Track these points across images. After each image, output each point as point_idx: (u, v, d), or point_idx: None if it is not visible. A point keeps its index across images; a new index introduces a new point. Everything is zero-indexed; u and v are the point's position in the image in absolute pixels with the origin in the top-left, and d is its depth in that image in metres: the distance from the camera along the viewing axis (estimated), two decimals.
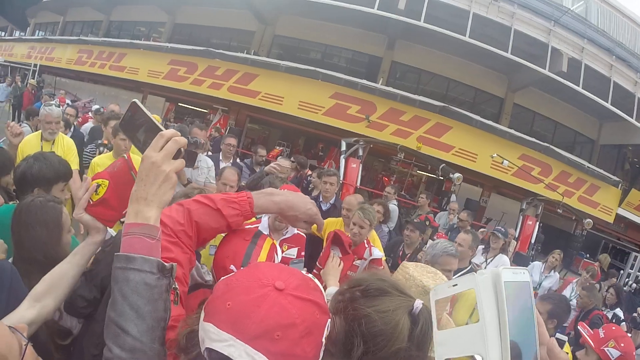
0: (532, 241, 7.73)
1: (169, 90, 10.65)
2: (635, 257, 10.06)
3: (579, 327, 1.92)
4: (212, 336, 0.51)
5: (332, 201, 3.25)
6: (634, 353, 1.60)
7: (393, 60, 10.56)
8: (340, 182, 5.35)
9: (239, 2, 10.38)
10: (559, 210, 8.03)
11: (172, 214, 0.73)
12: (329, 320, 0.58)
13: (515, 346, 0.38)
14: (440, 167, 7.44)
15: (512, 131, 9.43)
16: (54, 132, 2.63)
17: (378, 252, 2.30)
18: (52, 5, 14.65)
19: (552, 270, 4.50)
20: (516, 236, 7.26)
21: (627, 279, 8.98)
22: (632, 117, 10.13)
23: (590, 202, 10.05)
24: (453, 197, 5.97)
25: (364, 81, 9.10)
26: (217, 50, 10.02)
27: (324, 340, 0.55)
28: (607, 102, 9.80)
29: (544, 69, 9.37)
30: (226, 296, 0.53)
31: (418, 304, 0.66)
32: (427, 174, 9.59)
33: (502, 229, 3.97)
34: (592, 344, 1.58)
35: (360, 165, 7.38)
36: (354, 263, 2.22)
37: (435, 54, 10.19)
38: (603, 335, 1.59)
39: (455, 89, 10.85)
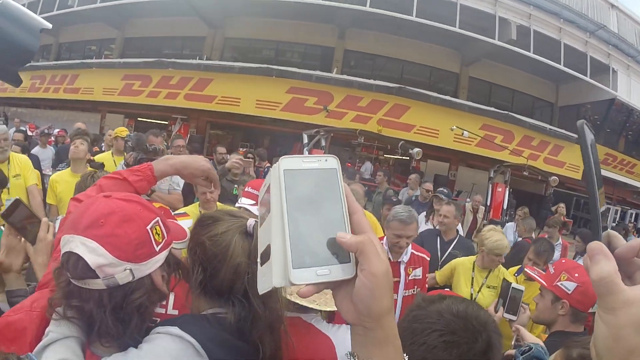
0: (505, 207, 7.93)
1: (126, 106, 10.46)
2: (607, 209, 10.45)
3: (526, 269, 1.84)
4: (62, 245, 0.63)
5: None
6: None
7: (346, 49, 10.64)
8: None
9: (186, 9, 10.26)
10: (525, 173, 8.25)
11: (87, 192, 0.87)
12: (157, 218, 0.68)
13: (311, 230, 0.36)
14: (399, 144, 7.56)
15: (470, 103, 9.62)
16: (3, 149, 2.61)
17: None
18: None
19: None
20: (487, 204, 7.43)
21: None
22: (586, 76, 10.48)
23: (556, 162, 10.35)
24: (412, 176, 6.07)
25: (318, 72, 9.14)
26: (169, 60, 9.89)
27: (148, 229, 0.65)
28: (561, 64, 10.11)
29: (494, 39, 9.60)
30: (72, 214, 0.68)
31: (251, 221, 0.72)
32: (394, 157, 9.71)
33: (445, 190, 3.86)
34: (544, 282, 1.43)
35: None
36: None
37: (387, 38, 10.31)
38: (553, 271, 1.44)
39: (411, 70, 11.01)
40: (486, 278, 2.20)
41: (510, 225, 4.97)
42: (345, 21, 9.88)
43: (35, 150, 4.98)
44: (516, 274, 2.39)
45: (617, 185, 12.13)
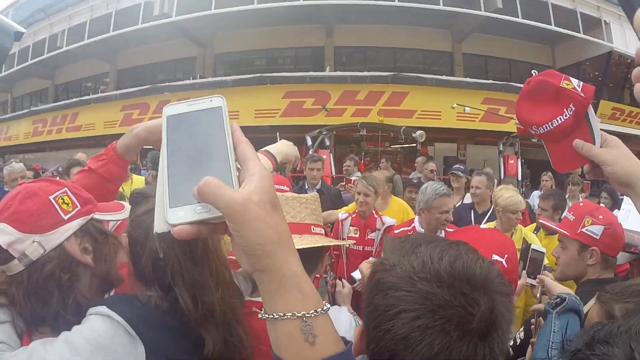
0: (520, 179, 7.82)
1: None
2: None
3: (541, 221, 1.71)
4: None
5: (318, 187, 3.20)
6: (619, 222, 1.24)
7: (335, 46, 10.63)
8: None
9: (173, 32, 10.38)
10: (534, 141, 8.12)
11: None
12: (65, 188, 0.69)
13: (193, 170, 0.35)
14: (402, 129, 7.52)
15: (467, 79, 9.52)
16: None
17: (390, 219, 2.34)
18: None
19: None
20: (501, 177, 7.33)
21: None
22: (579, 33, 10.28)
23: None
24: (418, 159, 6.03)
25: (311, 73, 9.14)
26: (163, 84, 10.01)
27: (51, 199, 0.66)
28: (552, 25, 9.93)
29: (480, 11, 9.47)
30: None
31: None
32: (402, 146, 9.63)
33: (462, 167, 3.79)
34: (566, 232, 1.25)
35: (331, 154, 7.42)
36: (368, 237, 2.27)
37: (375, 28, 10.26)
38: (574, 218, 1.25)
39: (404, 56, 10.93)
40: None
41: (536, 193, 4.97)
42: (330, 18, 9.87)
43: None
44: (535, 231, 2.29)
45: (629, 139, 11.84)
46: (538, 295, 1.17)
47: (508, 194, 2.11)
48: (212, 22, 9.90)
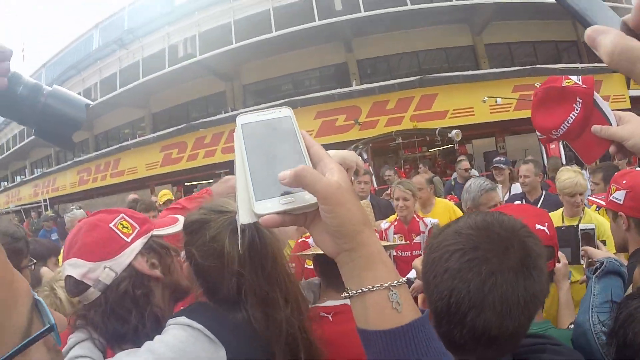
0: (564, 162, 7.57)
1: (171, 175, 11.13)
2: None
3: (589, 198, 1.68)
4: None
5: (368, 199, 3.22)
6: None
7: (358, 60, 10.72)
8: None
9: (199, 70, 10.86)
10: None
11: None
12: (122, 214, 0.75)
13: (272, 167, 0.38)
14: (437, 131, 7.48)
15: (494, 70, 9.33)
16: None
17: (432, 220, 2.35)
18: (40, 142, 15.66)
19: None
20: (545, 165, 7.13)
21: None
22: None
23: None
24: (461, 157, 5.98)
25: (339, 90, 9.28)
26: (197, 122, 10.46)
27: (112, 226, 0.73)
28: None
29: None
30: None
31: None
32: (440, 148, 9.53)
33: (502, 159, 3.77)
34: (603, 203, 1.28)
35: (370, 167, 7.48)
36: (414, 241, 2.28)
37: (393, 36, 10.30)
38: (608, 188, 1.30)
39: (426, 58, 10.88)
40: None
41: (584, 173, 4.75)
42: (347, 33, 10.00)
43: None
44: (597, 209, 2.15)
45: None
46: (584, 267, 1.18)
47: (566, 176, 1.97)
48: (235, 56, 10.29)
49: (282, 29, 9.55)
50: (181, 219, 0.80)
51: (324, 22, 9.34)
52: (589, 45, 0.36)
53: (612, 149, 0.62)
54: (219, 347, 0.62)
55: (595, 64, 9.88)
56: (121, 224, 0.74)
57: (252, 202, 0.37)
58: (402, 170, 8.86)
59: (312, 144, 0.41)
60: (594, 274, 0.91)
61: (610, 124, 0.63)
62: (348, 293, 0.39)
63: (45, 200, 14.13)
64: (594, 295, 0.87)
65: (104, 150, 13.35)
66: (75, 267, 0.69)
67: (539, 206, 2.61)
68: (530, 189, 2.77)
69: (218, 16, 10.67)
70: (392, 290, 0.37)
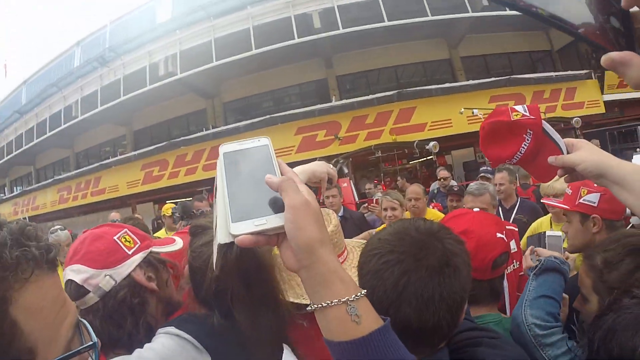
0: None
1: (152, 192, 10.97)
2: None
3: (542, 200, 1.69)
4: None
5: (341, 213, 3.22)
6: None
7: (337, 75, 10.89)
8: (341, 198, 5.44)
9: (180, 88, 10.85)
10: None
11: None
12: (125, 229, 0.81)
13: (248, 193, 0.42)
14: (415, 144, 7.58)
15: (470, 82, 9.56)
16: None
17: None
18: (20, 159, 15.38)
19: None
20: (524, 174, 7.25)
21: None
22: None
23: (575, 105, 10.04)
24: (437, 171, 6.06)
25: (319, 106, 9.36)
26: (178, 140, 10.39)
27: (116, 239, 0.78)
28: None
29: (468, 13, 9.62)
30: None
31: None
32: (419, 160, 9.66)
33: (488, 168, 3.80)
34: (565, 206, 1.28)
35: (351, 181, 7.50)
36: None
37: (372, 52, 10.52)
38: (572, 191, 1.28)
39: (405, 73, 11.11)
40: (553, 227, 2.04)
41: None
42: (327, 50, 10.17)
43: None
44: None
45: None
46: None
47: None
48: (215, 73, 10.32)
49: (262, 46, 9.65)
50: (178, 240, 0.88)
51: (304, 40, 9.49)
52: (611, 70, 0.41)
53: (560, 172, 0.68)
54: (205, 355, 0.66)
55: (569, 72, 10.24)
56: (124, 238, 0.80)
57: (229, 223, 0.41)
58: (383, 183, 8.92)
59: (286, 170, 0.45)
60: (532, 272, 0.95)
61: (561, 149, 0.69)
62: (310, 307, 0.41)
63: (25, 219, 13.70)
64: (529, 291, 0.91)
65: (84, 168, 13.11)
66: (78, 273, 0.74)
67: (514, 212, 2.72)
68: (506, 196, 2.81)
69: (199, 34, 10.73)
70: (349, 305, 0.40)
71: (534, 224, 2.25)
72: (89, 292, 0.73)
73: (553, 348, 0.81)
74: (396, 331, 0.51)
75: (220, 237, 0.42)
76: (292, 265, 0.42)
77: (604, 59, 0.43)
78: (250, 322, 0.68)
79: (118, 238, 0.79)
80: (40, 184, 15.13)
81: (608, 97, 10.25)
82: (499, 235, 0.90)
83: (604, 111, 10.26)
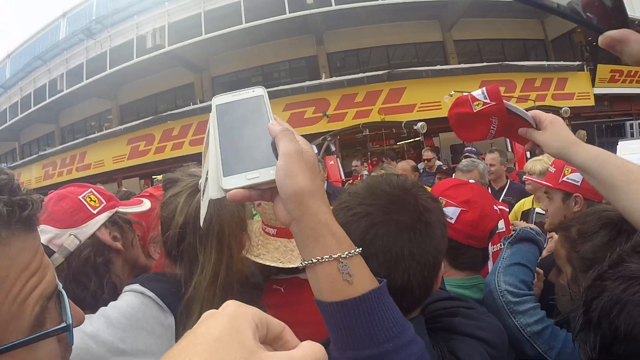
0: (528, 156, 7.81)
1: (138, 167, 10.82)
2: (631, 124, 10.02)
3: (525, 177, 1.73)
4: None
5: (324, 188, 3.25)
6: None
7: (328, 53, 10.73)
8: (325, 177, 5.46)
9: (168, 61, 10.60)
10: None
11: None
12: (91, 189, 0.81)
13: (241, 144, 0.40)
14: (403, 124, 7.58)
15: (462, 65, 9.53)
16: None
17: None
18: (4, 135, 15.00)
19: None
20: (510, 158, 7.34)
21: None
22: None
23: (565, 95, 10.11)
24: (423, 152, 6.08)
25: (308, 82, 9.25)
26: (165, 114, 10.21)
27: (81, 198, 0.78)
28: None
29: None
30: None
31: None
32: (407, 141, 9.67)
33: (474, 149, 3.86)
34: (548, 184, 1.29)
35: (338, 159, 7.49)
36: None
37: (364, 30, 10.36)
38: (555, 169, 1.29)
39: (396, 53, 10.99)
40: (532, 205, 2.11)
41: None
42: (318, 26, 9.99)
43: None
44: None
45: (632, 99, 11.67)
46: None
47: (530, 160, 2.09)
48: (204, 47, 10.09)
49: (253, 20, 9.43)
50: (146, 201, 0.89)
51: (295, 15, 9.29)
52: (609, 49, 0.41)
53: (527, 146, 0.75)
54: (169, 314, 0.66)
55: (561, 62, 10.26)
56: (89, 197, 0.78)
57: (220, 177, 0.39)
58: (370, 162, 8.92)
59: (280, 122, 0.42)
60: (508, 241, 0.96)
61: (528, 121, 0.73)
62: (301, 263, 0.39)
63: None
64: (503, 258, 0.91)
65: (70, 143, 12.87)
66: (42, 233, 0.71)
67: (503, 193, 2.77)
68: (496, 177, 2.87)
69: (188, 7, 10.44)
70: (342, 262, 0.37)
71: (517, 205, 2.31)
72: (53, 252, 0.72)
73: (525, 316, 0.80)
74: None
75: (212, 192, 0.40)
76: (283, 218, 0.40)
77: (602, 37, 0.42)
78: (188, 278, 0.67)
79: (83, 197, 0.78)
80: (24, 160, 14.82)
81: (599, 91, 10.34)
82: (495, 207, 0.95)
83: (593, 104, 10.35)
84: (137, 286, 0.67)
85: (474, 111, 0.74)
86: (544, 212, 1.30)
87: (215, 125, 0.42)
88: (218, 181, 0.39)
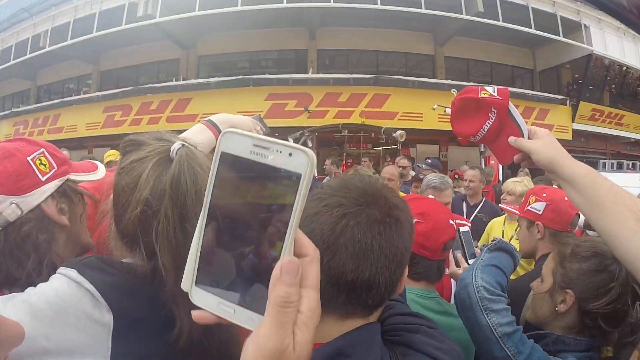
0: (500, 179, 7.99)
1: (111, 137, 10.47)
2: (603, 163, 10.46)
3: (500, 206, 1.84)
4: None
5: None
6: (565, 198, 1.22)
7: (318, 49, 10.70)
8: None
9: (157, 34, 10.32)
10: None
11: None
12: (42, 149, 0.68)
13: (235, 248, 0.28)
14: (382, 130, 7.63)
15: (449, 81, 9.67)
16: None
17: None
18: None
19: None
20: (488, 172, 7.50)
21: None
22: (559, 36, 10.55)
23: (544, 126, 9.83)
24: (397, 159, 6.15)
25: (294, 75, 9.20)
26: (146, 86, 9.95)
27: (29, 160, 0.66)
28: (532, 28, 10.17)
29: (461, 15, 9.67)
30: None
31: (177, 145, 0.54)
32: (384, 147, 9.75)
33: (429, 160, 3.89)
34: (516, 212, 1.41)
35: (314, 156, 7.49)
36: None
37: (357, 32, 10.38)
38: (524, 199, 1.40)
39: (386, 59, 11.07)
40: (516, 230, 2.13)
41: None
42: (314, 22, 9.95)
43: None
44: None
45: (608, 139, 12.17)
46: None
47: (508, 181, 2.21)
48: (195, 24, 9.88)
49: (248, 5, 9.30)
50: (101, 166, 0.78)
51: (292, 6, 9.22)
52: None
53: (516, 157, 0.72)
54: (105, 311, 0.53)
55: (546, 94, 10.58)
56: (39, 160, 0.66)
57: (192, 282, 0.29)
58: (345, 163, 8.95)
59: (309, 244, 0.29)
60: (487, 247, 0.98)
61: (522, 134, 0.72)
62: None
63: None
64: (481, 259, 0.93)
65: (45, 103, 12.37)
66: None
67: (476, 211, 2.84)
68: (473, 193, 2.95)
69: None
70: None
71: (490, 223, 2.43)
72: None
73: (498, 315, 0.80)
74: (330, 282, 0.50)
75: (184, 282, 0.30)
76: None
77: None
78: (175, 267, 0.51)
79: (32, 160, 0.65)
80: None
81: (577, 127, 10.73)
82: (450, 222, 0.99)
83: (571, 138, 10.72)
84: (73, 273, 0.54)
85: (479, 97, 0.75)
86: (467, 230, 1.29)
87: (210, 191, 0.27)
88: (191, 276, 0.29)
